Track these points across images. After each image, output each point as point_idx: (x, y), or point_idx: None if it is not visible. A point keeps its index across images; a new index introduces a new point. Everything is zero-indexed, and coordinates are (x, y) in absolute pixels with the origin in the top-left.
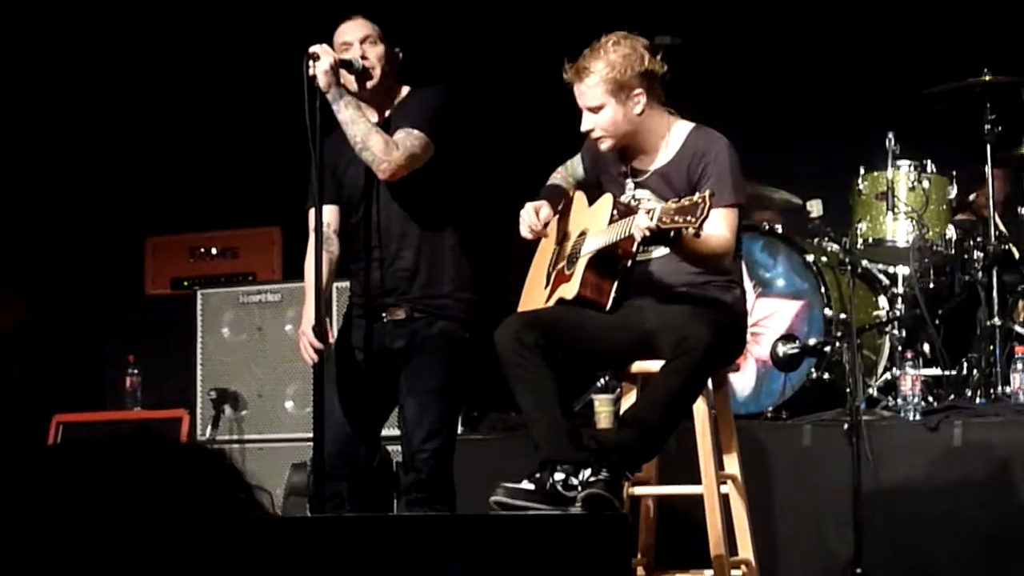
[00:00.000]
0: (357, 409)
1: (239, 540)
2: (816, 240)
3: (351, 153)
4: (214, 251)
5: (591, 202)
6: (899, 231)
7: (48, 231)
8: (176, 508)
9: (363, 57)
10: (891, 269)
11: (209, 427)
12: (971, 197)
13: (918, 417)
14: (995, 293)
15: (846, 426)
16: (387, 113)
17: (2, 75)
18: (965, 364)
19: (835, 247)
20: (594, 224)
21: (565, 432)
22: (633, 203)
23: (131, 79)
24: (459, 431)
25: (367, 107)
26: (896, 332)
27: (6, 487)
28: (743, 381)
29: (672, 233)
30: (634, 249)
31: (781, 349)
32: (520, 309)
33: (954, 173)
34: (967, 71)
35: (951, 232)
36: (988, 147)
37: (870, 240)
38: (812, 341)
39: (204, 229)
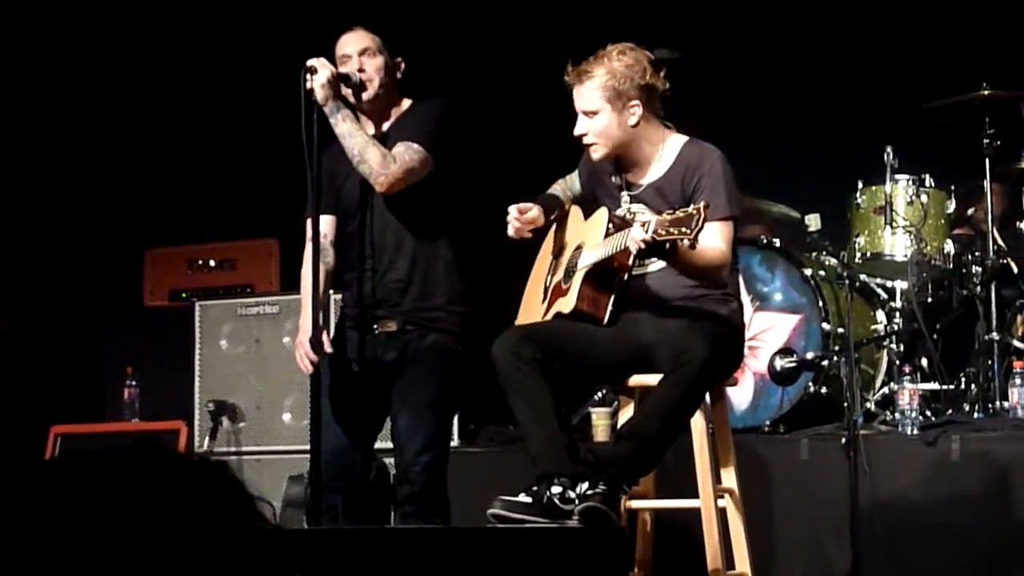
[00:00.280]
0: (350, 421)
1: (241, 551)
2: (814, 254)
3: (350, 165)
4: (212, 263)
5: (587, 216)
6: (897, 245)
7: (47, 242)
8: (178, 519)
9: (360, 70)
10: (889, 283)
11: (207, 439)
12: (970, 211)
13: (916, 431)
14: (993, 307)
15: (844, 440)
16: (387, 125)
17: (3, 86)
18: (963, 378)
19: (833, 261)
20: (590, 238)
21: (562, 445)
22: (629, 216)
23: (131, 91)
24: (456, 444)
25: (366, 119)
26: (894, 346)
27: (11, 499)
28: (741, 395)
29: (668, 245)
30: (630, 262)
31: (779, 363)
32: (518, 323)
33: (952, 187)
34: (966, 85)
35: (949, 246)
36: (987, 161)
37: (868, 254)
38: (810, 355)
39: (203, 241)
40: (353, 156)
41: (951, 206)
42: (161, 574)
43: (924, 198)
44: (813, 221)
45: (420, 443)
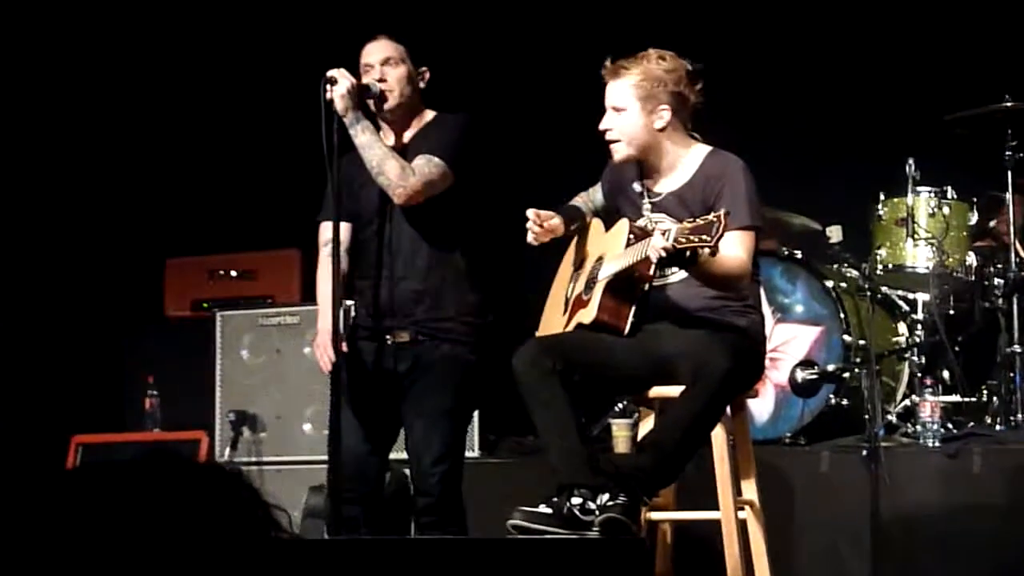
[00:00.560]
0: (364, 431)
1: (256, 559)
2: (836, 266)
3: (368, 173)
4: (234, 273)
5: (608, 228)
6: (919, 257)
7: (69, 252)
8: (193, 527)
9: (382, 79)
10: (911, 295)
11: (228, 449)
12: (991, 223)
13: (937, 444)
14: (1015, 320)
15: (864, 452)
16: (409, 136)
17: (23, 97)
18: (985, 391)
19: (855, 273)
20: (611, 249)
21: (583, 456)
22: (650, 226)
23: (154, 102)
24: (477, 455)
25: (387, 129)
26: (915, 358)
27: (28, 509)
28: (761, 406)
29: (688, 253)
30: (651, 272)
31: (800, 375)
32: (538, 335)
33: (975, 199)
34: (988, 97)
35: (971, 258)
36: (1009, 173)
37: (890, 266)
38: (831, 367)
39: (224, 251)
40: (372, 168)
41: (973, 218)
42: None
43: (946, 210)
44: (835, 233)
45: (435, 454)
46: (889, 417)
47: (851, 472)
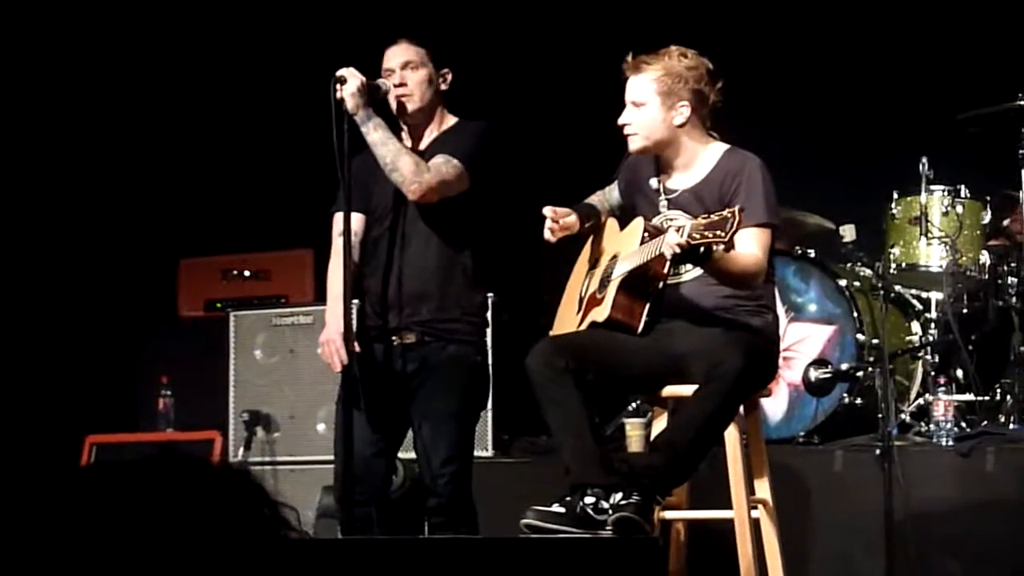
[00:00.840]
0: (372, 432)
1: (264, 556)
2: (849, 265)
3: (383, 172)
4: (247, 273)
5: (623, 227)
6: (932, 256)
7: (83, 253)
8: (202, 526)
9: (402, 83)
10: (924, 294)
11: (241, 449)
12: (1005, 222)
13: (951, 443)
14: None
15: (878, 451)
16: (428, 140)
17: (37, 98)
18: (998, 390)
19: (868, 272)
20: (626, 248)
21: (596, 456)
22: (665, 224)
23: (167, 103)
24: (490, 454)
25: (407, 133)
26: (929, 357)
27: (37, 508)
28: (775, 406)
29: (703, 249)
30: (665, 270)
31: (813, 374)
32: (552, 334)
33: (988, 198)
34: (1001, 96)
35: (985, 257)
36: (1022, 172)
37: (903, 265)
38: (844, 366)
39: (237, 251)
40: (385, 164)
41: (987, 217)
42: None
43: (960, 209)
44: (848, 232)
45: (444, 455)
46: (902, 416)
47: (864, 471)
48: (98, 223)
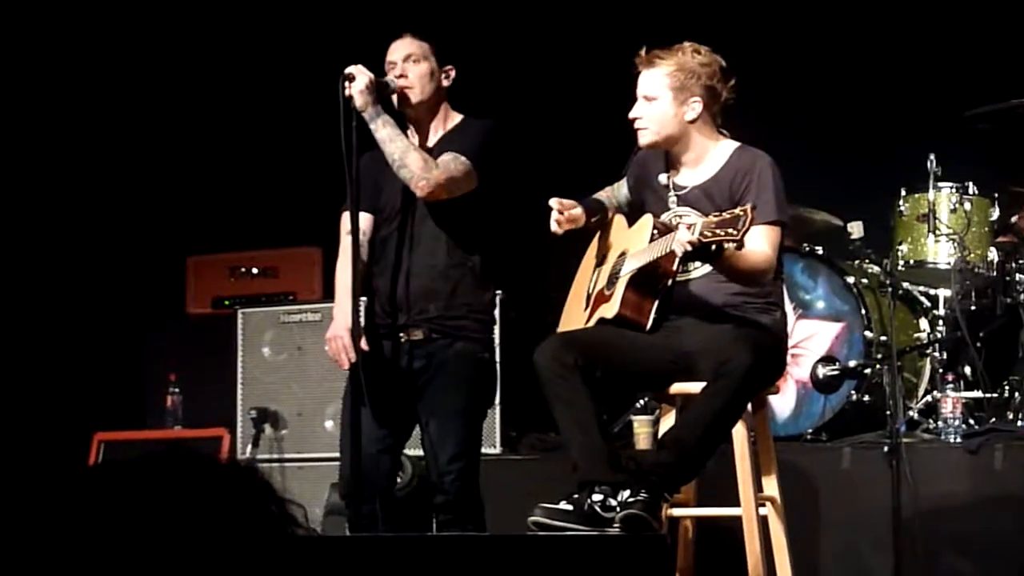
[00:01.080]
0: (379, 429)
1: (271, 553)
2: (857, 262)
3: (392, 170)
4: (255, 271)
5: (631, 224)
6: (940, 253)
7: (91, 250)
8: (207, 523)
9: (402, 76)
10: (932, 291)
11: (249, 446)
12: (1013, 219)
13: (959, 440)
14: None
15: (886, 449)
16: (435, 139)
17: (45, 95)
18: (1006, 387)
19: (876, 269)
20: (634, 244)
21: (604, 453)
22: (674, 221)
23: (175, 99)
24: (498, 451)
25: (413, 129)
26: (937, 354)
27: (43, 505)
28: (783, 403)
29: (714, 247)
30: (675, 267)
31: (821, 371)
32: (559, 331)
33: (996, 195)
34: (1009, 92)
35: (993, 254)
36: None
37: (911, 262)
38: (852, 363)
39: (245, 248)
40: (394, 161)
41: (995, 214)
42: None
43: (968, 206)
44: (856, 229)
45: (451, 452)
46: (911, 413)
47: (872, 468)
48: (106, 220)
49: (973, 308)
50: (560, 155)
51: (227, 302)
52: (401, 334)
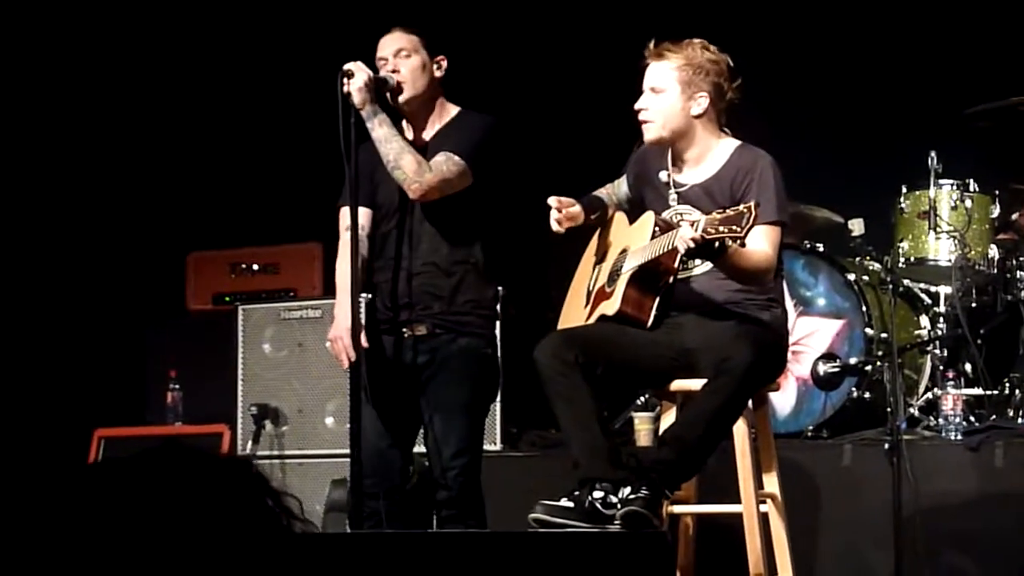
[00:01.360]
0: (385, 425)
1: (268, 546)
2: (857, 259)
3: None
4: (255, 267)
5: (632, 221)
6: (941, 250)
7: (91, 247)
8: (204, 516)
9: (394, 71)
10: (933, 288)
11: (250, 442)
12: (1014, 216)
13: (959, 437)
14: None
15: (887, 446)
16: (431, 133)
17: (44, 92)
18: (1007, 384)
19: (877, 266)
20: (635, 241)
21: (604, 450)
22: (675, 218)
23: (175, 96)
24: (499, 448)
25: (408, 124)
26: (937, 351)
27: (41, 501)
28: (783, 400)
29: (716, 245)
30: (676, 264)
31: (822, 368)
32: (560, 327)
33: (997, 192)
34: (1010, 90)
35: (993, 251)
36: None
37: (912, 259)
38: (853, 360)
39: (246, 245)
40: (388, 162)
41: (995, 211)
42: (186, 571)
43: (968, 203)
44: (857, 226)
45: (454, 448)
46: (911, 410)
47: (873, 465)
48: (106, 217)
49: (974, 305)
50: (560, 151)
51: (228, 298)
52: (405, 329)
